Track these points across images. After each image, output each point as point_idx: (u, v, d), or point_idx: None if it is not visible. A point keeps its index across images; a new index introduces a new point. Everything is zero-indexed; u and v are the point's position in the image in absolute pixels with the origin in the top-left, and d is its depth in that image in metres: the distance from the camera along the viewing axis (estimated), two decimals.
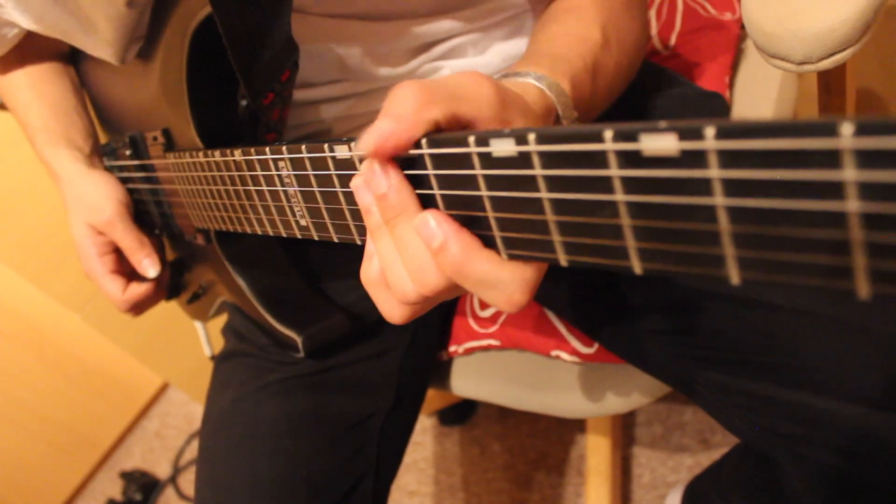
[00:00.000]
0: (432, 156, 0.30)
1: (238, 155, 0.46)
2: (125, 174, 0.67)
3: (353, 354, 0.65)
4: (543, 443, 1.21)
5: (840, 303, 0.43)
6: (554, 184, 0.25)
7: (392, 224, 0.32)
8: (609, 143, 0.22)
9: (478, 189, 0.28)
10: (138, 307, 0.67)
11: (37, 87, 0.66)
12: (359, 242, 0.39)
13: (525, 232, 0.28)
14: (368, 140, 0.30)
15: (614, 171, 0.23)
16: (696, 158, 0.20)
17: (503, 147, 0.26)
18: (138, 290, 0.65)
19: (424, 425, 1.36)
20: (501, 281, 0.30)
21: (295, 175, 0.41)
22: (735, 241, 0.20)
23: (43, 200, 1.22)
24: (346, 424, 0.63)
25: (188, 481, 1.55)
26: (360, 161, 0.34)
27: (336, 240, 0.41)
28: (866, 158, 0.16)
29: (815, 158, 0.17)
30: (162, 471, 1.62)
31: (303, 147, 0.38)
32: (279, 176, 0.42)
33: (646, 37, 0.55)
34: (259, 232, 0.49)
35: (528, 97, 0.37)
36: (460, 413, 1.32)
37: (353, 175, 0.35)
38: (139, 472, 1.59)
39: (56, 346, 1.51)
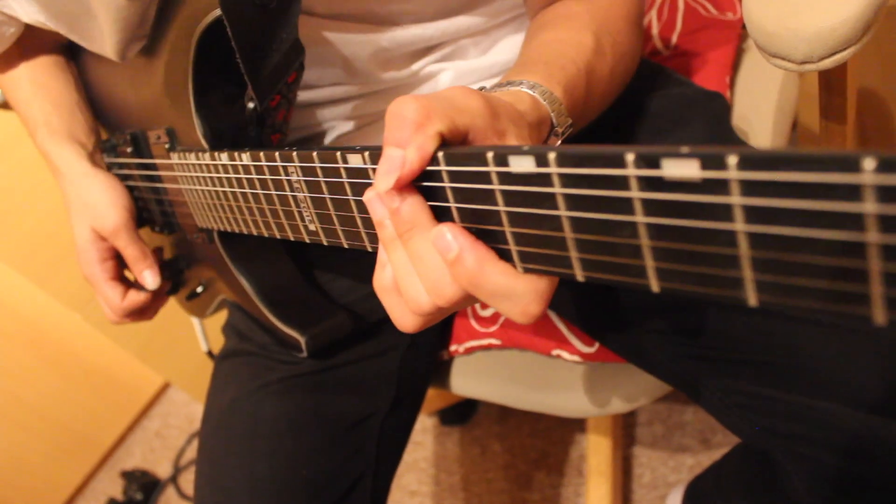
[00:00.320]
0: (449, 171, 0.30)
1: (247, 158, 0.45)
2: (125, 171, 0.67)
3: (354, 354, 0.65)
4: (544, 442, 1.21)
5: None
6: (573, 202, 0.25)
7: (406, 237, 0.32)
8: (631, 168, 0.23)
9: (495, 204, 0.29)
10: (134, 316, 0.67)
11: (38, 81, 0.66)
12: (370, 250, 0.39)
13: (542, 247, 0.28)
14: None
15: (635, 194, 0.23)
16: (717, 186, 0.20)
17: (522, 164, 0.26)
18: (137, 298, 0.65)
19: (425, 425, 1.36)
20: (516, 293, 0.30)
21: (305, 181, 0.40)
22: (754, 266, 0.21)
23: (44, 200, 1.22)
24: (346, 424, 0.63)
25: (189, 481, 1.55)
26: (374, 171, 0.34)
27: (346, 246, 0.41)
28: (887, 193, 0.17)
29: (836, 191, 0.18)
30: (163, 470, 1.62)
31: (314, 155, 0.38)
32: (288, 181, 0.42)
33: (641, 42, 0.55)
34: (265, 234, 0.49)
35: (522, 106, 0.37)
36: (461, 413, 1.32)
37: (365, 183, 0.35)
38: (140, 472, 1.59)
39: (57, 346, 1.51)
